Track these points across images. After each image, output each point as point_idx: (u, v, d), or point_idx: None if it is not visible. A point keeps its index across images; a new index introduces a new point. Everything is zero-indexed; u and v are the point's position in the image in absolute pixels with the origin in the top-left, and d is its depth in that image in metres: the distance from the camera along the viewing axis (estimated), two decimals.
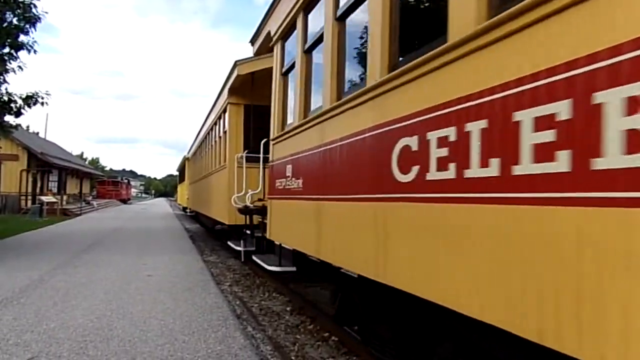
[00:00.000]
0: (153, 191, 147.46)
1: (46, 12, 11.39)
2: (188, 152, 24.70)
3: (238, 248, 7.94)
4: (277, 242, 5.34)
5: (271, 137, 5.69)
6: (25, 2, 10.91)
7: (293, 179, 4.63)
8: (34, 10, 11.07)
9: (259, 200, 7.11)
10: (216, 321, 4.88)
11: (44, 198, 24.87)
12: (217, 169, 11.01)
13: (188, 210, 24.49)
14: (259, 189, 7.03)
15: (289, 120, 5.17)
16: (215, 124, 11.88)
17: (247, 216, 7.46)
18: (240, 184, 7.84)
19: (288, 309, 5.91)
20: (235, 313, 5.33)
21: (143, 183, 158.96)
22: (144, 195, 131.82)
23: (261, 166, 6.73)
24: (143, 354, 3.89)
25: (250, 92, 8.62)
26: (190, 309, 5.35)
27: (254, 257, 6.19)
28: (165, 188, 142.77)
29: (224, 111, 10.03)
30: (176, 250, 10.91)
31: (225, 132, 10.00)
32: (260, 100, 8.03)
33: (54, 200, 25.56)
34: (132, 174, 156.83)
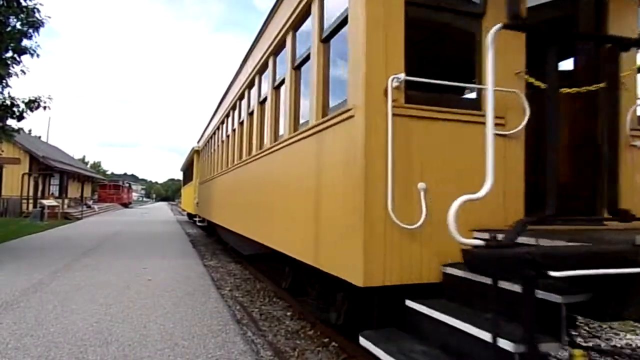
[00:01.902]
0: (154, 195, 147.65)
1: (49, 17, 11.47)
2: (198, 142, 19.25)
3: None
4: None
5: None
6: (29, 7, 10.99)
7: None
8: (37, 14, 11.14)
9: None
10: (216, 326, 4.87)
11: (45, 202, 24.90)
12: (305, 133, 4.52)
13: (197, 219, 18.12)
14: None
15: None
16: (282, 42, 5.63)
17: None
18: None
19: (288, 314, 5.89)
20: (235, 318, 5.32)
21: (144, 187, 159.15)
22: (145, 199, 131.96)
23: None
24: (143, 358, 3.88)
25: None
26: (190, 314, 5.34)
27: None
28: (166, 192, 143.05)
29: None
30: (177, 254, 10.89)
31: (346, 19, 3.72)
32: None
33: (55, 203, 25.59)
34: (134, 177, 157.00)
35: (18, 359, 3.82)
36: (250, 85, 7.79)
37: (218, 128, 12.12)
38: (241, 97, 8.60)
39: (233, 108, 9.55)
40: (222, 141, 11.06)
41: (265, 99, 6.64)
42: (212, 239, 15.29)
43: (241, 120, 8.60)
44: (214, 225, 12.91)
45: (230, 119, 10.11)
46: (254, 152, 7.15)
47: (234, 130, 9.38)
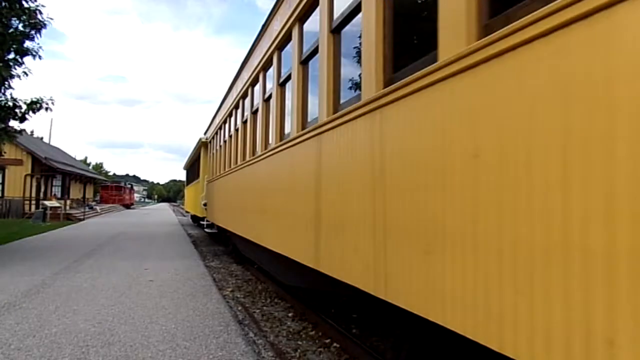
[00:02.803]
0: (156, 196, 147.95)
1: (52, 19, 11.49)
2: (205, 133, 16.11)
3: None
4: None
5: None
6: (31, 8, 11.02)
7: None
8: (39, 16, 11.17)
9: None
10: (218, 327, 4.87)
11: (47, 203, 24.95)
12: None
13: (205, 223, 14.15)
14: None
15: None
16: None
17: None
18: None
19: (290, 314, 5.89)
20: (237, 319, 5.32)
21: (146, 188, 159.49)
22: (147, 200, 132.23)
23: None
24: (145, 359, 3.89)
25: None
26: (192, 315, 5.34)
27: None
28: (168, 193, 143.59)
29: None
30: (178, 255, 10.90)
31: None
32: None
33: (58, 205, 25.63)
34: (136, 179, 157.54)
35: (20, 359, 3.83)
36: (287, 38, 5.29)
37: (237, 107, 8.69)
38: (281, 47, 5.62)
39: (265, 68, 6.44)
40: (245, 123, 7.80)
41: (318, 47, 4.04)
42: (211, 239, 14.52)
43: (281, 81, 5.52)
44: (227, 232, 10.07)
45: (258, 87, 6.83)
46: (324, 120, 3.73)
47: (267, 100, 6.25)
